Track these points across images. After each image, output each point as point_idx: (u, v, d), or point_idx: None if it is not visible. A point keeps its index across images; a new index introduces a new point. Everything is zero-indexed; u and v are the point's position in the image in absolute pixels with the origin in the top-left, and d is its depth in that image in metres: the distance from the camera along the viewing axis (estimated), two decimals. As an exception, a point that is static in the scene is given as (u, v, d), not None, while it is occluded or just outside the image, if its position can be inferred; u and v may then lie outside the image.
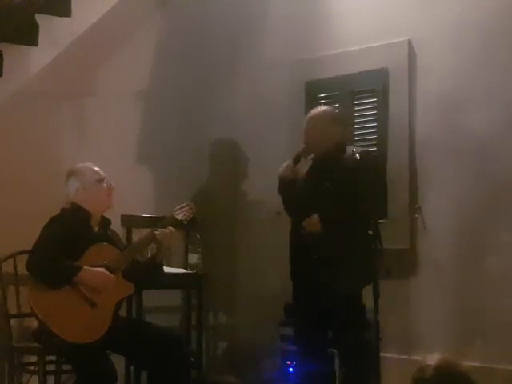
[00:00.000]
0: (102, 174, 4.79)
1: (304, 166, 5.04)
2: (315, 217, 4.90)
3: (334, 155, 4.90)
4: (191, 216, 4.93)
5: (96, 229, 4.78)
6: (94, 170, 4.79)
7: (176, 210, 4.89)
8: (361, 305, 4.93)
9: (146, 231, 4.99)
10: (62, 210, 4.78)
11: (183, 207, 4.92)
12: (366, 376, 4.85)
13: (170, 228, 4.80)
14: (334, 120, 5.02)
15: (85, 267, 4.52)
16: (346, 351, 5.01)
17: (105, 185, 4.76)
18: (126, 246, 4.97)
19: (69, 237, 4.57)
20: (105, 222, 4.83)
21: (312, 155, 5.01)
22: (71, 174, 4.80)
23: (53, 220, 4.67)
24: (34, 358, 4.99)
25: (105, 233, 4.81)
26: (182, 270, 5.83)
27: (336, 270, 4.79)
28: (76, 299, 4.50)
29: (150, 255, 5.03)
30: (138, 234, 5.46)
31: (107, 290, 4.55)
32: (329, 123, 4.99)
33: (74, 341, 4.41)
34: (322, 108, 5.12)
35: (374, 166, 4.91)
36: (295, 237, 5.09)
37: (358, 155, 4.72)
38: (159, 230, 4.78)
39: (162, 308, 5.71)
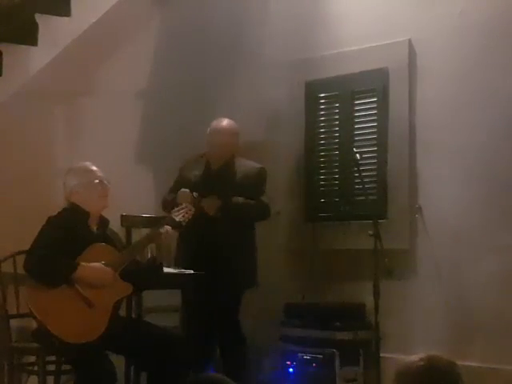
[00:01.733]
0: (98, 173, 4.77)
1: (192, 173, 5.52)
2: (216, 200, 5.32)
3: (230, 166, 5.44)
4: (190, 217, 4.94)
5: (94, 229, 4.78)
6: (88, 170, 4.78)
7: (174, 212, 4.90)
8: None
9: (145, 231, 5.00)
10: (63, 209, 4.78)
11: (182, 209, 4.93)
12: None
13: (167, 227, 4.80)
14: (237, 133, 5.51)
15: (81, 264, 4.52)
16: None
17: (99, 185, 4.74)
18: (125, 247, 4.96)
19: (66, 237, 4.57)
20: (103, 222, 4.82)
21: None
22: (68, 173, 4.81)
23: (50, 220, 4.67)
24: (33, 358, 4.99)
25: (103, 233, 4.80)
26: (182, 270, 5.82)
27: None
28: (74, 299, 4.50)
29: (150, 256, 5.02)
30: (137, 234, 5.46)
31: (105, 285, 4.55)
32: (234, 136, 5.48)
33: (71, 341, 4.41)
34: (229, 121, 5.52)
35: (264, 179, 5.51)
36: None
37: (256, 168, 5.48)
38: (156, 229, 4.79)
39: (162, 308, 5.70)
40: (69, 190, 4.76)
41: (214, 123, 5.53)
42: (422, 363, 2.67)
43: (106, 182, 4.77)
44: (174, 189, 5.53)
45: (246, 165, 5.54)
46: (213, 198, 5.35)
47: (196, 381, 3.41)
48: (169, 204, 5.32)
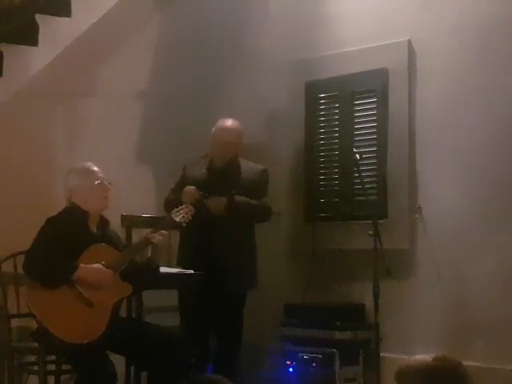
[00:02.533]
0: (99, 174, 4.77)
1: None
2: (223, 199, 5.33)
3: (234, 166, 5.49)
4: (190, 218, 4.94)
5: (94, 229, 4.77)
6: (90, 171, 4.77)
7: (175, 212, 4.90)
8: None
9: (146, 231, 4.99)
10: (63, 210, 4.78)
11: (182, 209, 4.93)
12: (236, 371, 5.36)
13: (163, 232, 4.80)
14: (241, 134, 5.54)
15: (81, 265, 4.52)
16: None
17: (100, 186, 4.74)
18: (125, 247, 4.96)
19: (66, 237, 4.57)
20: (103, 223, 4.82)
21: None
22: (69, 173, 4.82)
23: (50, 220, 4.67)
24: (34, 358, 4.99)
25: (103, 233, 4.80)
26: (182, 270, 5.82)
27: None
28: (73, 299, 4.50)
29: (149, 255, 5.03)
30: (138, 234, 5.47)
31: (105, 286, 4.56)
32: (238, 136, 5.52)
33: (71, 341, 4.41)
34: (234, 121, 5.54)
35: (267, 180, 5.57)
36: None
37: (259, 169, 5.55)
38: (153, 233, 4.79)
39: (161, 308, 5.71)
40: (69, 190, 4.77)
41: (220, 122, 5.54)
42: (428, 363, 2.68)
43: (106, 182, 4.77)
44: (177, 189, 5.53)
45: (249, 165, 5.56)
46: (218, 197, 5.35)
47: (195, 382, 3.41)
48: (171, 204, 5.31)
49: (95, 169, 4.79)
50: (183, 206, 4.95)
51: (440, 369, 2.67)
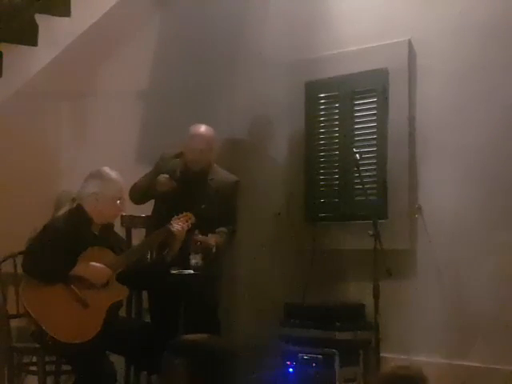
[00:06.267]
0: (123, 193, 4.76)
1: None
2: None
3: (206, 174, 5.48)
4: (189, 226, 4.96)
5: (97, 232, 4.77)
6: (117, 186, 4.74)
7: (175, 220, 4.92)
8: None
9: (145, 231, 5.00)
10: (68, 211, 4.79)
11: (182, 217, 4.95)
12: None
13: (177, 226, 4.83)
14: (214, 139, 5.54)
15: (80, 260, 4.54)
16: None
17: (120, 205, 4.73)
18: (124, 250, 4.95)
19: (67, 239, 4.57)
20: (106, 226, 4.81)
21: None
22: (96, 176, 4.76)
23: (52, 221, 4.68)
24: (33, 358, 4.99)
25: (104, 236, 4.79)
26: (182, 270, 5.82)
27: None
28: (69, 299, 4.52)
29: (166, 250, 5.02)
30: (137, 234, 5.48)
31: (101, 283, 4.56)
32: (211, 143, 5.50)
33: (64, 340, 4.42)
34: (207, 127, 5.52)
35: (237, 193, 5.58)
36: None
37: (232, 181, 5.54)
38: (163, 230, 4.81)
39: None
40: (88, 192, 4.71)
41: (193, 128, 5.54)
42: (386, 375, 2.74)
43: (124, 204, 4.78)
44: (150, 176, 5.49)
45: (222, 175, 5.56)
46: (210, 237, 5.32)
47: (181, 344, 3.39)
48: (140, 188, 5.37)
49: (122, 185, 4.77)
50: (183, 215, 4.98)
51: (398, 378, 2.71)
